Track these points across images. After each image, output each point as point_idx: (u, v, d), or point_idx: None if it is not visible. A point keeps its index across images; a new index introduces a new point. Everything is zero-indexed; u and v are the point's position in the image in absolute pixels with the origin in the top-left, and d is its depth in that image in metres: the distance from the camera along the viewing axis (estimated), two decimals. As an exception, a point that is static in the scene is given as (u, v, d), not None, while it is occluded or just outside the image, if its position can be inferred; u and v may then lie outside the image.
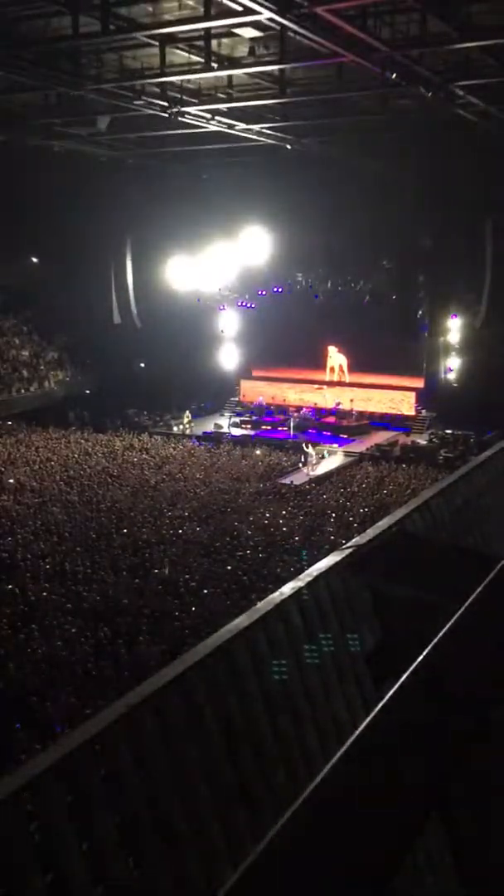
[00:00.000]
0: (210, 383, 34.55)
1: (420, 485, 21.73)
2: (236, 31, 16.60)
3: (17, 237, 33.44)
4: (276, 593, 5.07)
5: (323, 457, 26.10)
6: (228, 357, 34.58)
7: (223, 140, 25.23)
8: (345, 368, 33.47)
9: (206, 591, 14.46)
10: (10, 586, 14.71)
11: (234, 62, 18.37)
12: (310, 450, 25.78)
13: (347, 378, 33.38)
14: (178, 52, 17.83)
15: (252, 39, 17.21)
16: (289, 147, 25.72)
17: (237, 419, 32.17)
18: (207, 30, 16.17)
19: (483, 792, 3.76)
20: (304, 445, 26.44)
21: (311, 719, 4.79)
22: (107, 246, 35.53)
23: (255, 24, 15.78)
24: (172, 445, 28.03)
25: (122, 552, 16.73)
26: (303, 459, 25.53)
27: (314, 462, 25.39)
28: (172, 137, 25.56)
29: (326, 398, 32.85)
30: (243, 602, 12.93)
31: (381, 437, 29.88)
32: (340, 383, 33.38)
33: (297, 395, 33.71)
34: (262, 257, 30.96)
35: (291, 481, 23.51)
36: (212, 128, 22.58)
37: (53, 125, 24.60)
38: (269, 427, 31.31)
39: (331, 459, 26.32)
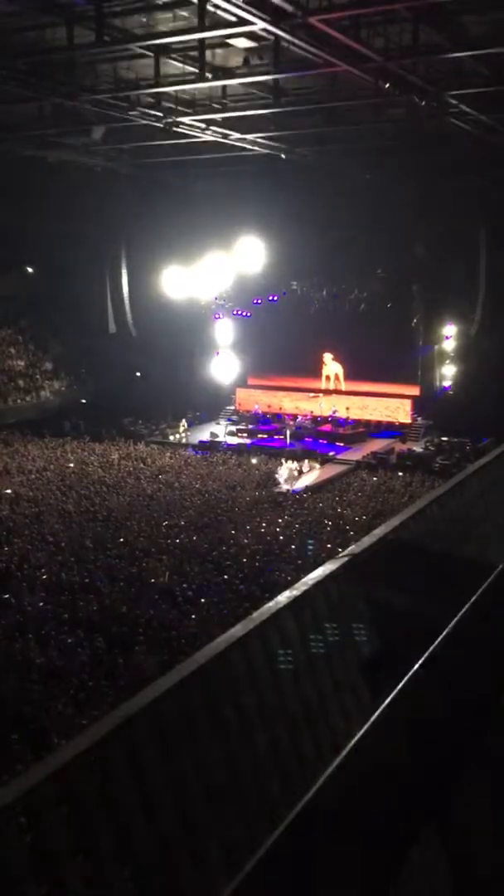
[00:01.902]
0: (206, 392, 34.55)
1: (416, 492, 21.74)
2: (230, 41, 16.68)
3: (13, 247, 33.49)
4: (272, 602, 5.06)
5: (303, 471, 25.29)
6: (224, 365, 34.61)
7: (218, 150, 25.32)
8: (340, 377, 33.51)
9: (202, 601, 14.43)
10: (6, 596, 14.67)
11: (228, 72, 18.46)
12: (288, 464, 25.17)
13: (343, 386, 33.43)
14: (173, 62, 17.90)
15: (246, 50, 17.30)
16: (283, 156, 25.83)
17: (233, 428, 32.17)
18: (201, 40, 16.24)
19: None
20: (282, 460, 25.90)
21: (307, 727, 4.78)
22: (102, 255, 35.62)
23: (249, 35, 15.87)
24: (168, 454, 28.00)
25: (119, 562, 16.70)
26: (280, 475, 24.66)
27: (294, 476, 24.69)
28: (167, 147, 25.64)
29: (322, 406, 32.88)
30: (240, 611, 12.90)
31: (378, 444, 29.90)
32: (337, 391, 33.43)
33: (293, 403, 33.73)
34: (257, 266, 31.04)
35: (288, 489, 23.50)
36: (206, 138, 22.67)
37: (48, 135, 24.68)
38: (265, 435, 31.29)
39: (309, 475, 25.43)
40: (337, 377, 33.65)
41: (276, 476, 24.42)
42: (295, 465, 25.44)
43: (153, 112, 20.07)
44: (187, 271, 30.98)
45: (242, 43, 16.78)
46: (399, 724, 5.19)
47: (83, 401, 35.10)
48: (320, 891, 3.86)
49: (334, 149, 26.26)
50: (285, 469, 24.76)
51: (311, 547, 16.91)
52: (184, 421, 31.78)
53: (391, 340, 31.24)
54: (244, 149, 24.67)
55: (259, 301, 33.88)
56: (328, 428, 31.72)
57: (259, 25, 14.25)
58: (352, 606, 5.60)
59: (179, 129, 21.43)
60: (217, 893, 3.79)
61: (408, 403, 31.86)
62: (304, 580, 5.48)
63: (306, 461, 26.34)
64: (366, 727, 5.00)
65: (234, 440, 30.84)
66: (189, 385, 34.08)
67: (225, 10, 14.00)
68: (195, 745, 4.07)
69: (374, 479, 24.83)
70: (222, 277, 31.79)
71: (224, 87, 19.75)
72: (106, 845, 3.54)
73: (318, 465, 26.32)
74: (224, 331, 34.31)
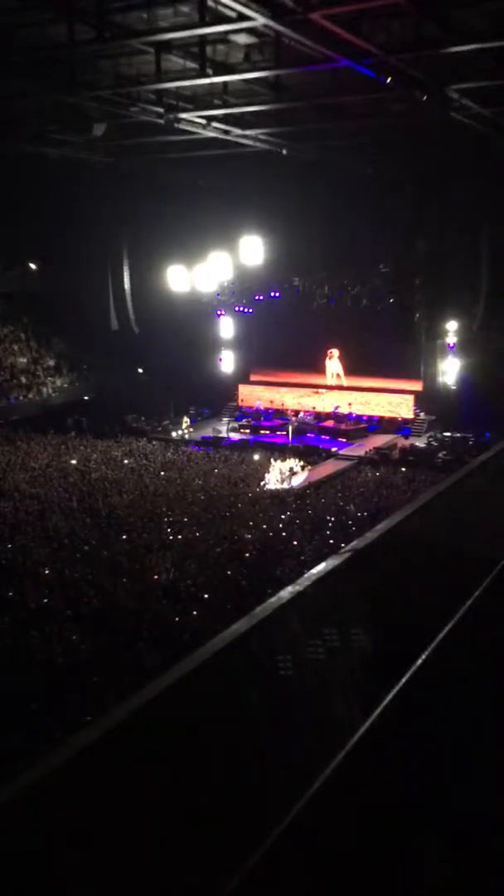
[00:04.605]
0: (208, 388, 34.58)
1: (419, 488, 21.74)
2: (231, 37, 16.65)
3: (15, 244, 33.51)
4: (275, 598, 5.06)
5: (293, 472, 24.66)
6: (226, 362, 34.63)
7: (219, 146, 25.27)
8: (341, 374, 33.56)
9: (206, 596, 14.46)
10: (10, 593, 14.71)
11: (229, 68, 18.41)
12: (278, 464, 24.71)
13: (345, 382, 33.43)
14: (174, 58, 17.86)
15: (247, 46, 17.26)
16: (284, 152, 25.77)
17: (236, 424, 32.20)
18: (202, 36, 16.19)
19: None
20: (270, 460, 25.50)
21: (310, 723, 4.79)
22: (104, 252, 35.60)
23: (250, 31, 15.83)
24: (171, 451, 28.03)
25: (122, 558, 16.73)
26: (272, 476, 24.03)
27: (286, 477, 24.11)
28: (168, 143, 25.60)
29: (324, 402, 32.89)
30: (243, 606, 12.92)
31: (380, 440, 29.91)
32: (339, 387, 33.44)
33: (296, 399, 33.75)
34: (259, 262, 31.02)
35: (290, 485, 23.49)
36: (207, 134, 22.62)
37: (49, 132, 24.65)
38: (267, 432, 31.32)
39: (300, 475, 24.85)
40: (337, 375, 33.70)
41: (267, 476, 24.08)
42: (287, 465, 25.02)
43: (154, 108, 20.02)
44: (189, 267, 30.97)
45: (243, 39, 16.74)
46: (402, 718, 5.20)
47: (86, 398, 35.13)
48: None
49: (336, 144, 26.20)
50: (276, 471, 24.44)
51: (308, 550, 16.89)
52: (186, 417, 31.79)
53: (393, 336, 31.23)
54: (245, 145, 24.62)
55: (261, 297, 33.87)
56: (331, 423, 31.76)
57: (260, 21, 14.22)
58: (354, 601, 5.60)
59: (180, 126, 21.38)
60: (220, 890, 3.80)
61: (410, 399, 31.87)
62: (306, 575, 5.48)
63: (296, 461, 25.82)
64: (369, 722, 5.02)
65: (236, 436, 30.87)
66: (191, 381, 34.09)
67: (226, 6, 13.96)
68: (198, 741, 4.09)
69: (377, 474, 24.83)
70: (224, 273, 31.78)
71: (225, 83, 19.70)
72: (108, 842, 3.56)
73: (308, 466, 25.93)
74: (226, 327, 34.33)
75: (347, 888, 3.92)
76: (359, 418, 32.00)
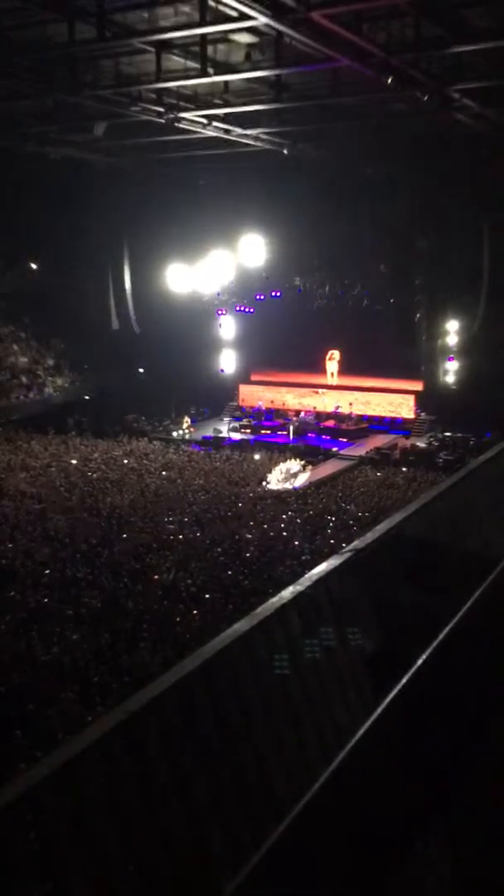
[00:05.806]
0: (209, 388, 34.57)
1: (419, 487, 21.74)
2: (232, 36, 16.65)
3: (15, 244, 33.50)
4: (276, 597, 5.06)
5: (294, 472, 24.52)
6: (227, 362, 34.62)
7: (220, 145, 25.28)
8: (334, 373, 33.62)
9: (206, 596, 14.46)
10: (11, 593, 14.70)
11: (230, 68, 18.41)
12: (280, 465, 24.61)
13: (336, 381, 33.49)
14: (174, 58, 17.86)
15: (248, 45, 17.26)
16: (285, 152, 25.76)
17: (236, 424, 32.19)
18: (203, 36, 16.19)
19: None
20: (271, 460, 25.40)
21: (311, 723, 4.78)
22: (104, 252, 35.60)
23: (251, 30, 15.83)
24: (172, 451, 28.02)
25: (123, 557, 16.72)
26: (273, 476, 23.98)
27: (289, 477, 24.02)
28: (169, 143, 25.60)
29: (325, 402, 32.89)
30: (244, 606, 12.93)
31: (381, 440, 29.91)
32: (339, 387, 33.45)
33: (297, 399, 33.74)
34: (259, 262, 31.03)
35: (291, 485, 23.48)
36: (208, 133, 22.63)
37: (50, 132, 24.66)
38: (268, 431, 31.31)
39: (303, 474, 24.73)
40: (331, 374, 33.75)
41: (269, 477, 24.03)
42: (289, 465, 24.92)
43: (155, 108, 20.02)
44: (190, 267, 30.97)
45: (244, 38, 16.74)
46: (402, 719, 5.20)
47: (86, 397, 35.10)
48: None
49: (337, 144, 26.19)
50: (277, 471, 24.38)
51: (307, 551, 16.87)
52: (187, 417, 31.80)
53: (394, 335, 31.23)
54: (246, 145, 24.62)
55: (262, 297, 33.86)
56: (332, 423, 31.77)
57: (261, 20, 14.22)
58: (355, 601, 5.60)
59: (181, 125, 21.38)
60: (221, 890, 3.80)
61: (411, 399, 31.86)
62: (308, 575, 5.47)
63: (298, 461, 25.71)
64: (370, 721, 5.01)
65: (237, 436, 30.86)
66: (192, 381, 34.08)
67: (226, 5, 13.97)
68: (199, 740, 4.08)
69: (378, 474, 24.82)
70: (225, 273, 31.78)
71: (226, 82, 19.69)
72: (110, 842, 3.56)
73: (310, 466, 25.89)
74: (227, 327, 34.32)
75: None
76: (360, 418, 31.98)
